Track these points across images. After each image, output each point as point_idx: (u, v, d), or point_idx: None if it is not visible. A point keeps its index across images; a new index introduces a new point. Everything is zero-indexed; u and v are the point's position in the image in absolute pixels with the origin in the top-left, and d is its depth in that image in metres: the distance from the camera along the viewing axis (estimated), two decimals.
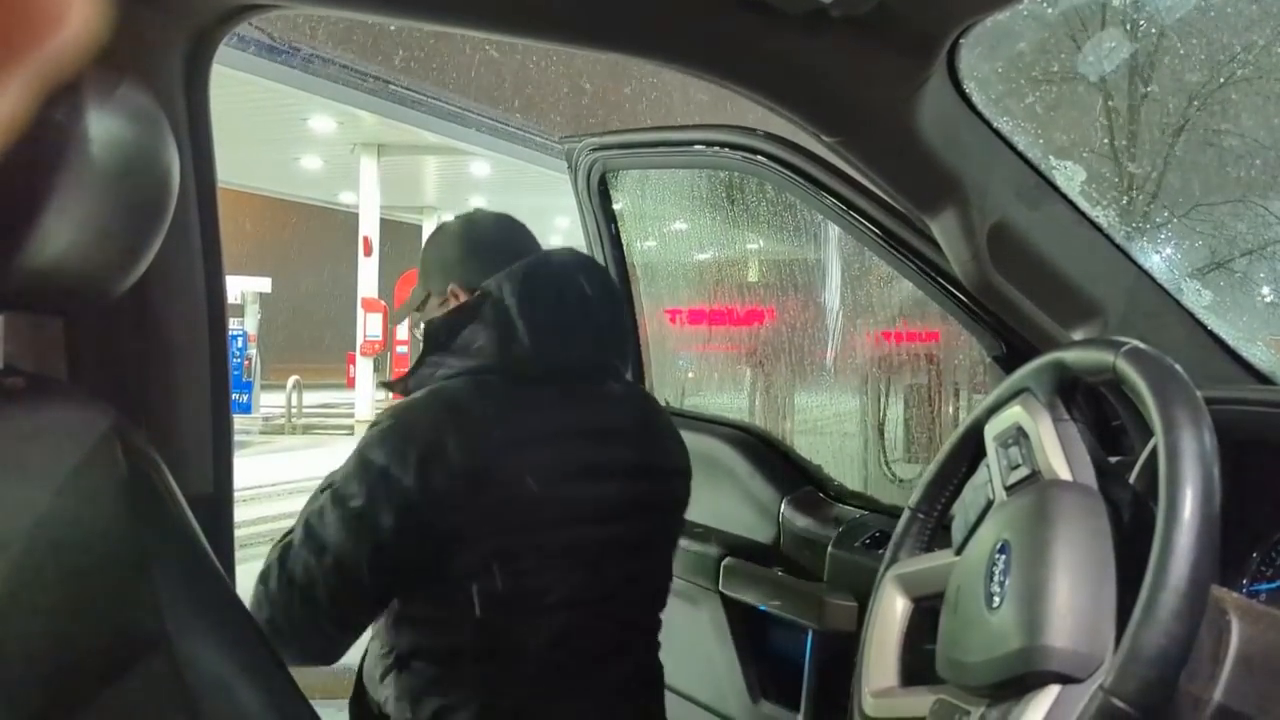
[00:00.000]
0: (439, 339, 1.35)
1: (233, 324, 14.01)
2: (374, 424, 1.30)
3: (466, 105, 12.01)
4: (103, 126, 0.80)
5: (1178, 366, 0.77)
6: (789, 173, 1.62)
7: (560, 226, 18.95)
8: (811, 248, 2.73)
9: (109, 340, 1.13)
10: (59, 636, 0.80)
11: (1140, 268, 1.28)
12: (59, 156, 0.76)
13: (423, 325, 1.41)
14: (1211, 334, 1.27)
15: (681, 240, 2.54)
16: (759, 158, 1.67)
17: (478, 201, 17.50)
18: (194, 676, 0.93)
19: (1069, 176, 1.27)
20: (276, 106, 11.13)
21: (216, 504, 1.20)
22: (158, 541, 0.95)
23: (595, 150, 2.01)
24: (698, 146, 1.82)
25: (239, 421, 14.33)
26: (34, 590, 0.79)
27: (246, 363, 14.33)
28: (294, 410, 14.01)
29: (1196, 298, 1.29)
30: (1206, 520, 0.69)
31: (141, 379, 1.16)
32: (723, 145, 1.75)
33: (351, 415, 14.20)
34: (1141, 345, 0.81)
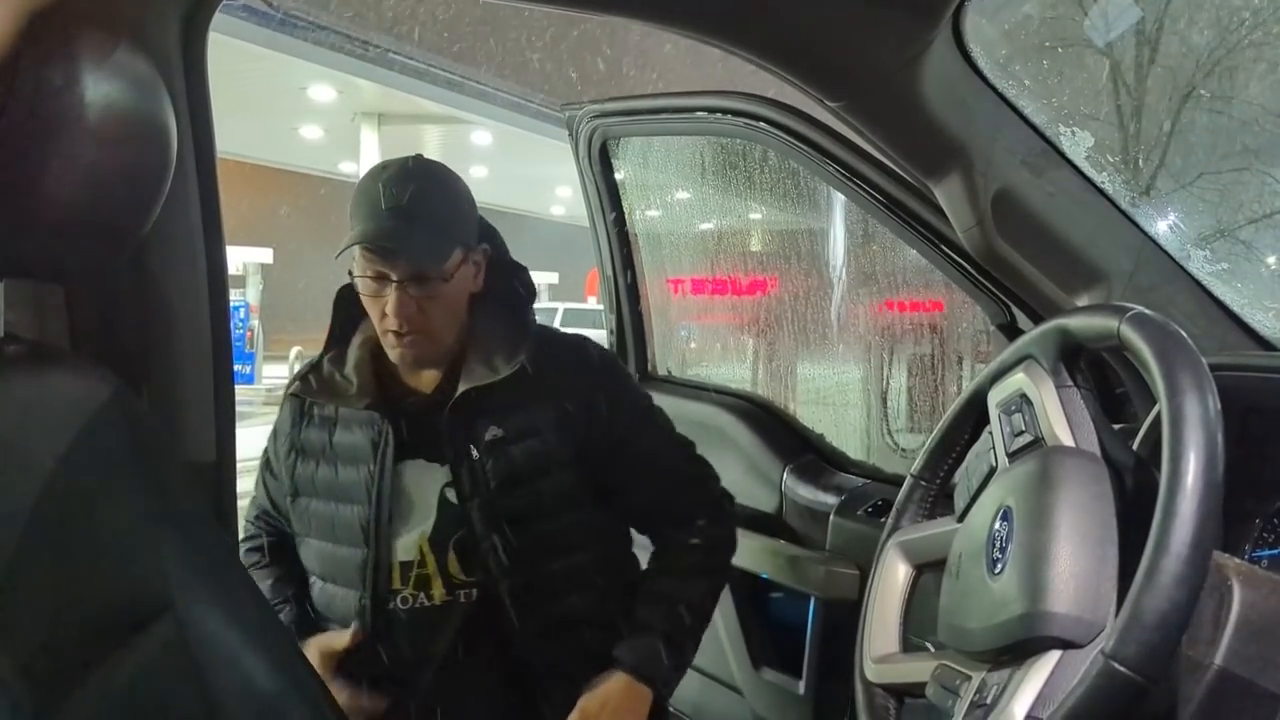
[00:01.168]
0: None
1: (234, 295, 14.01)
2: None
3: (468, 73, 11.92)
4: (100, 92, 0.80)
5: (1182, 332, 0.77)
6: (792, 139, 1.61)
7: (562, 196, 18.89)
8: (814, 215, 2.72)
9: (110, 309, 1.13)
10: (66, 602, 0.80)
11: (1146, 234, 1.27)
12: (56, 123, 0.75)
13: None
14: (1217, 300, 1.26)
15: (684, 209, 2.52)
16: (761, 124, 1.66)
17: (479, 171, 17.43)
18: (200, 642, 0.94)
19: (1075, 142, 1.26)
20: (275, 75, 11.06)
21: (219, 472, 1.21)
22: (160, 509, 0.96)
23: (596, 117, 2.00)
24: (700, 113, 1.81)
25: (242, 393, 14.31)
26: (39, 557, 0.79)
27: (249, 334, 14.35)
28: None
29: (1202, 264, 1.28)
30: (1209, 486, 0.69)
31: (143, 348, 1.16)
32: (725, 112, 1.74)
33: None
34: (1146, 311, 0.80)
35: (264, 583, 1.54)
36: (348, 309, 1.52)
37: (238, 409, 1.27)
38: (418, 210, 1.37)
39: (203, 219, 1.18)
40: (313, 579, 1.54)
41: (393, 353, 1.43)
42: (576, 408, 1.48)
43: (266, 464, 1.59)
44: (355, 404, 1.46)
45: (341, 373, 1.49)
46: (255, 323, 14.72)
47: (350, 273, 1.42)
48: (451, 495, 1.44)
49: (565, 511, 1.47)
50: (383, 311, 1.39)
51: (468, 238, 1.44)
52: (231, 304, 1.33)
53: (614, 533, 1.57)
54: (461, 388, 1.43)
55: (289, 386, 1.56)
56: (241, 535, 1.60)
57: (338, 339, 1.53)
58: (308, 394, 1.50)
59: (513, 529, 1.43)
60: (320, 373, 1.51)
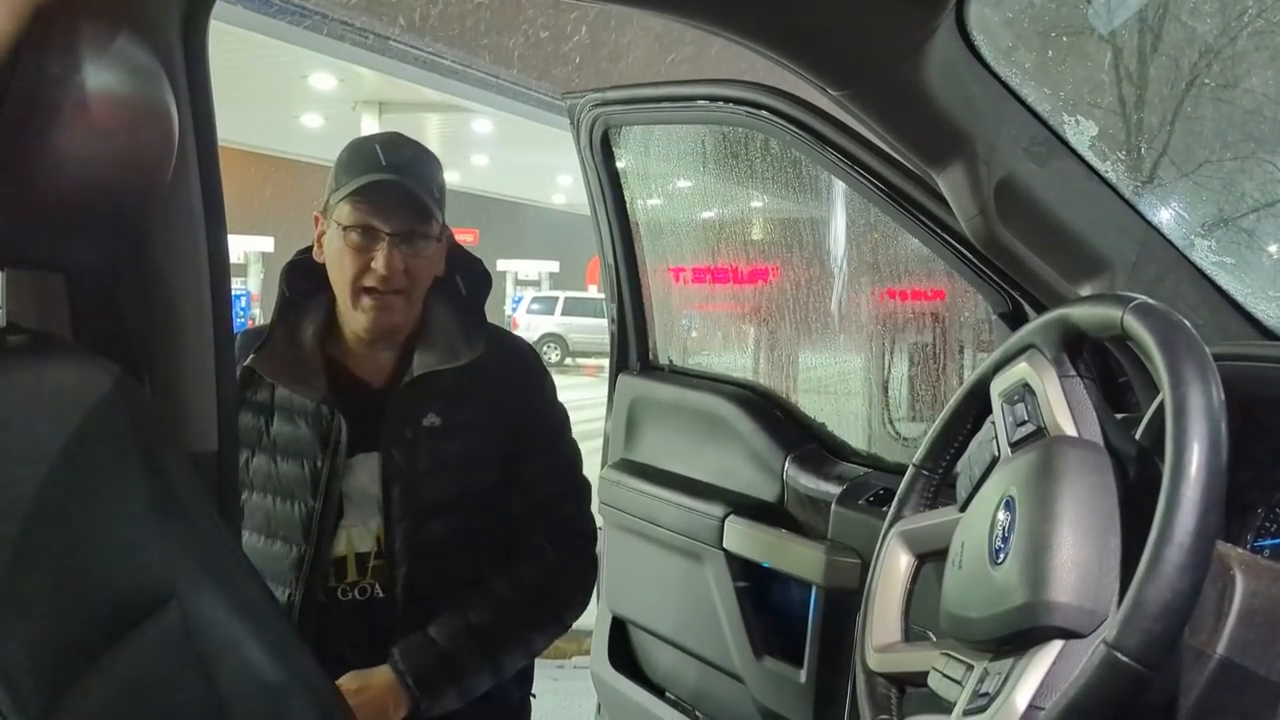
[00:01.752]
0: None
1: (236, 284, 14.00)
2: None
3: (469, 61, 11.89)
4: (100, 81, 0.80)
5: (1186, 322, 0.77)
6: (794, 128, 1.61)
7: (563, 184, 18.85)
8: (816, 204, 2.71)
9: (112, 298, 1.13)
10: (69, 592, 0.80)
11: (1149, 223, 1.26)
12: (57, 112, 0.75)
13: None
14: (1220, 290, 1.26)
15: (685, 197, 2.52)
16: (763, 113, 1.66)
17: (480, 159, 17.40)
18: (202, 631, 0.94)
19: (1079, 131, 1.25)
20: (276, 63, 11.04)
21: (221, 461, 1.21)
22: (163, 498, 0.96)
23: (598, 106, 1.99)
24: (701, 102, 1.80)
25: None
26: (43, 547, 0.79)
27: (250, 322, 14.32)
28: None
29: (1206, 254, 1.28)
30: (1213, 475, 0.69)
31: (145, 337, 1.16)
32: (727, 100, 1.73)
33: None
34: (1149, 301, 0.80)
35: None
36: (298, 281, 1.50)
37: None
38: (414, 170, 1.40)
39: (204, 207, 1.18)
40: None
41: (362, 316, 1.40)
42: (511, 408, 1.50)
43: None
44: (311, 395, 1.43)
45: (297, 355, 1.46)
46: (257, 311, 14.72)
47: (337, 222, 1.39)
48: (381, 484, 1.44)
49: (481, 510, 1.48)
50: (364, 266, 1.38)
51: (443, 213, 1.46)
52: (233, 292, 1.34)
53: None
54: (417, 371, 1.44)
55: (239, 356, 1.45)
56: None
57: (288, 314, 1.49)
58: (269, 373, 1.45)
59: (428, 520, 1.43)
60: (274, 350, 1.46)
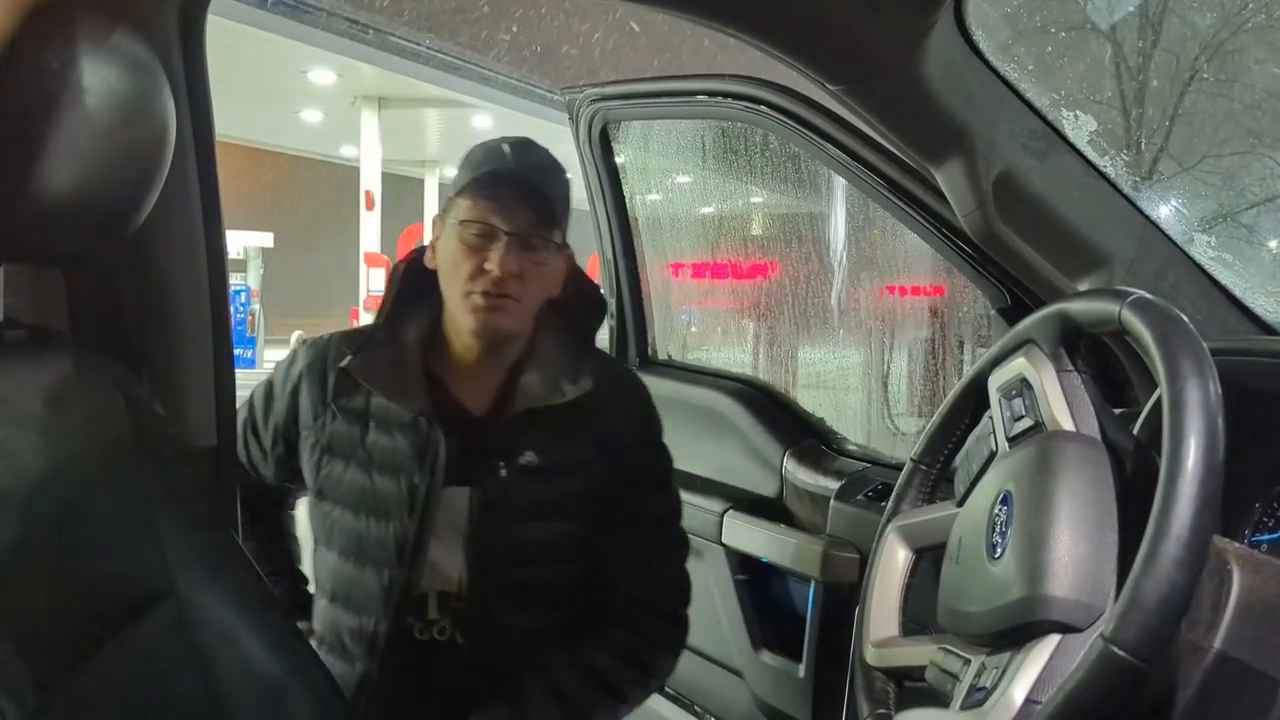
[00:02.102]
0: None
1: (236, 279, 14.01)
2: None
3: (468, 57, 11.88)
4: (97, 75, 0.79)
5: (1183, 316, 0.77)
6: (792, 123, 1.61)
7: None
8: (815, 199, 2.71)
9: (110, 293, 1.13)
10: (66, 586, 0.81)
11: (1148, 218, 1.27)
12: (53, 106, 0.75)
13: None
14: (1218, 285, 1.26)
15: (684, 193, 2.52)
16: (762, 108, 1.66)
17: None
18: (200, 624, 0.94)
19: (1078, 126, 1.25)
20: (275, 58, 11.02)
21: (219, 456, 1.21)
22: (161, 493, 0.96)
23: (596, 101, 1.99)
24: (700, 97, 1.80)
25: (242, 377, 14.33)
26: (39, 540, 0.79)
27: (250, 318, 14.35)
28: None
29: (1204, 249, 1.28)
30: (1210, 470, 0.69)
31: (143, 332, 1.15)
32: (725, 95, 1.73)
33: None
34: (1147, 295, 0.80)
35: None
36: (407, 283, 1.39)
37: (239, 393, 1.28)
38: (543, 176, 1.31)
39: (202, 203, 1.18)
40: (317, 595, 1.41)
41: (470, 317, 1.28)
42: (615, 450, 1.37)
43: (253, 431, 1.44)
44: (409, 405, 1.32)
45: (398, 363, 1.35)
46: (256, 307, 14.72)
47: (455, 220, 1.29)
48: (468, 522, 1.33)
49: (572, 559, 1.38)
50: (478, 267, 1.26)
51: (565, 230, 1.34)
52: (232, 288, 1.34)
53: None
54: (519, 405, 1.32)
55: (332, 357, 1.37)
56: None
57: (393, 317, 1.38)
58: (365, 379, 1.33)
59: (516, 566, 1.34)
60: (374, 355, 1.35)
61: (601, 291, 1.48)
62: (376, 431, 1.34)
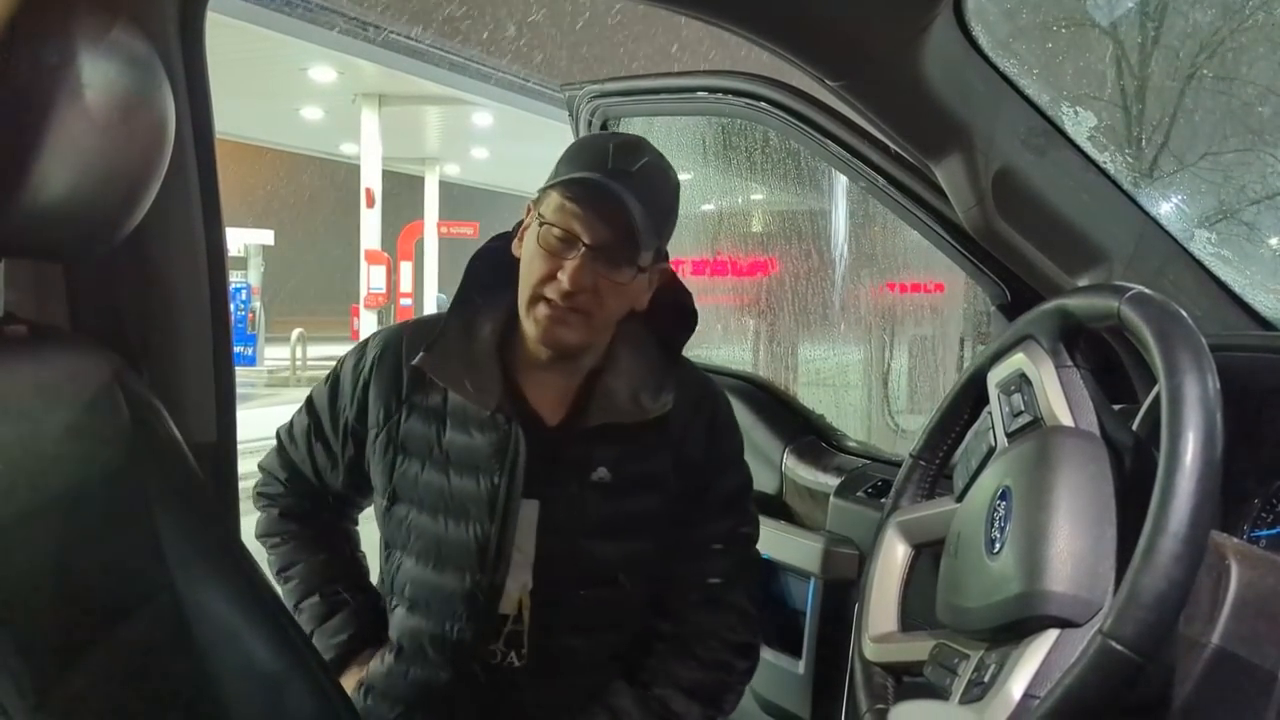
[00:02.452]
0: None
1: (236, 277, 14.01)
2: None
3: (468, 54, 11.87)
4: (96, 72, 0.79)
5: (1182, 312, 0.77)
6: (792, 119, 1.61)
7: None
8: (815, 196, 2.71)
9: (109, 289, 1.13)
10: (64, 581, 0.81)
11: (1147, 214, 1.27)
12: (52, 101, 0.75)
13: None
14: (1218, 281, 1.26)
15: (685, 190, 2.52)
16: (762, 104, 1.65)
17: (480, 152, 17.37)
18: (198, 620, 0.94)
19: (1078, 122, 1.25)
20: (275, 55, 11.02)
21: (219, 453, 1.21)
22: (160, 489, 0.96)
23: (596, 98, 1.99)
24: (700, 93, 1.80)
25: (244, 374, 14.39)
26: (39, 535, 0.79)
27: (250, 315, 14.35)
28: (298, 363, 14.05)
29: (1204, 245, 1.28)
30: (1208, 465, 0.69)
31: (142, 328, 1.16)
32: (726, 92, 1.73)
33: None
34: (1146, 291, 0.80)
35: (295, 558, 1.38)
36: (484, 274, 1.32)
37: (239, 390, 1.28)
38: (643, 184, 1.18)
39: (202, 200, 1.18)
40: (394, 602, 1.33)
41: (536, 327, 1.21)
42: (691, 467, 1.31)
43: (319, 435, 1.37)
44: (485, 402, 1.25)
45: (472, 358, 1.27)
46: (257, 304, 14.71)
47: (540, 215, 1.21)
48: (537, 537, 1.26)
49: (640, 581, 1.31)
50: (551, 273, 1.19)
51: (664, 243, 1.26)
52: (233, 286, 1.33)
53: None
54: (594, 420, 1.25)
55: (405, 351, 1.30)
56: (260, 487, 1.44)
57: (467, 308, 1.31)
58: (437, 375, 1.26)
59: (583, 587, 1.27)
60: (448, 350, 1.27)
61: (692, 302, 1.38)
62: (453, 430, 1.27)
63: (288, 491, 1.42)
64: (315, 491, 1.41)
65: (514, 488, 1.24)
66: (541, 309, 1.20)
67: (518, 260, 1.26)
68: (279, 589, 1.37)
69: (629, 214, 1.16)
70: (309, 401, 1.39)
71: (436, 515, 1.27)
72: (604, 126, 2.05)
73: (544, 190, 1.22)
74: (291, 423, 1.42)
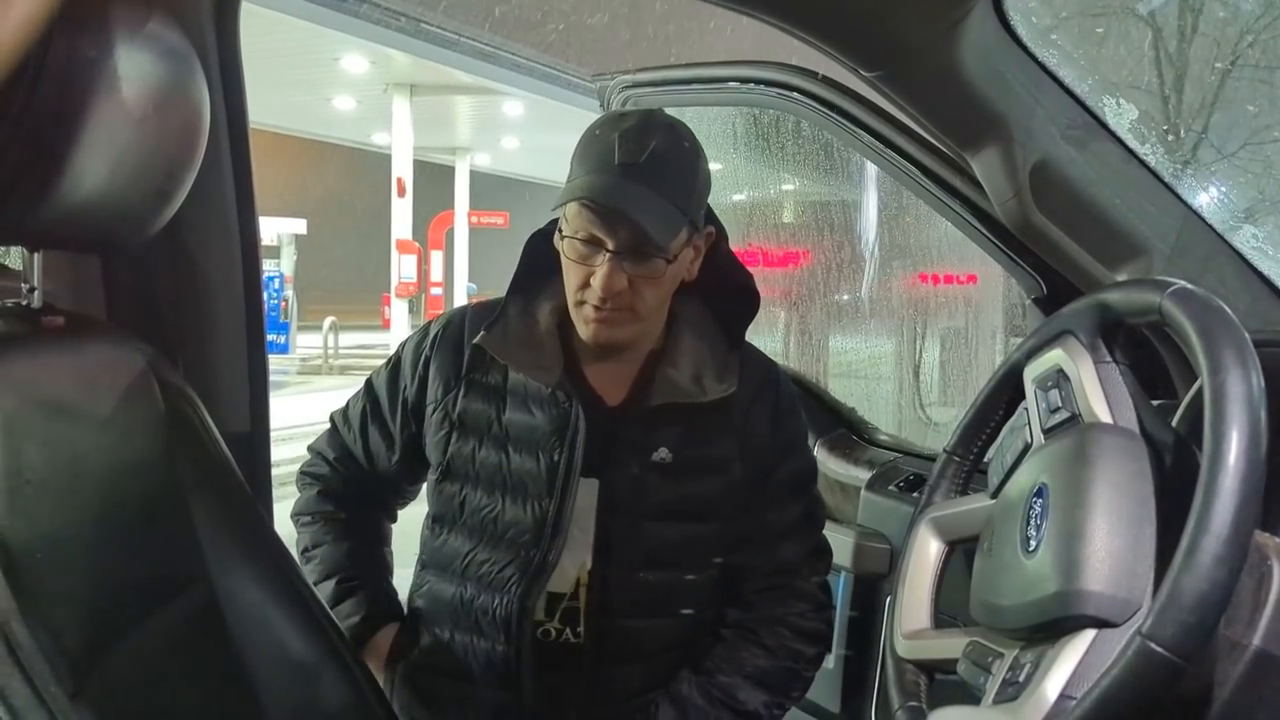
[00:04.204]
0: None
1: (269, 265, 14.13)
2: None
3: (500, 43, 11.88)
4: (133, 64, 0.80)
5: (1226, 307, 0.75)
6: (826, 110, 1.59)
7: None
8: (847, 187, 2.69)
9: (145, 279, 1.14)
10: (100, 569, 0.81)
11: (1188, 206, 1.24)
12: (90, 94, 0.75)
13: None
14: (1262, 276, 1.23)
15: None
16: (795, 94, 1.64)
17: (510, 142, 17.40)
18: (232, 610, 0.95)
19: (1119, 113, 1.23)
20: (308, 46, 11.07)
21: (253, 441, 1.22)
22: (195, 477, 0.97)
23: (628, 88, 1.98)
24: (732, 83, 1.79)
25: (277, 362, 14.52)
26: (75, 524, 0.80)
27: (283, 304, 14.47)
28: (330, 351, 14.16)
29: (1247, 238, 1.25)
30: (1252, 464, 0.67)
31: (178, 318, 1.17)
32: (758, 82, 1.72)
33: (387, 357, 14.30)
34: (1189, 285, 0.78)
35: (322, 539, 1.38)
36: (537, 259, 1.30)
37: (272, 379, 1.29)
38: (654, 172, 1.15)
39: (236, 190, 1.19)
40: (445, 578, 1.32)
41: (584, 328, 1.22)
42: (755, 449, 1.30)
43: (375, 416, 1.37)
44: (546, 379, 1.25)
45: (532, 336, 1.27)
46: (289, 293, 14.84)
47: (559, 229, 1.21)
48: (597, 517, 1.26)
49: (702, 564, 1.30)
50: (585, 280, 1.19)
51: (697, 215, 1.23)
52: (265, 275, 1.34)
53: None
54: (657, 400, 1.25)
55: (468, 330, 1.30)
56: (306, 467, 1.43)
57: (521, 292, 1.31)
58: (498, 352, 1.26)
59: (643, 569, 1.26)
60: (508, 328, 1.28)
61: (752, 280, 1.35)
62: (512, 408, 1.27)
63: (333, 474, 1.41)
64: (361, 477, 1.41)
65: (573, 465, 1.24)
66: (586, 311, 1.20)
67: None
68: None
69: (643, 209, 1.14)
70: (368, 384, 1.39)
71: (493, 492, 1.27)
72: None
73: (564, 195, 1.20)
74: (347, 406, 1.41)
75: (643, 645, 1.29)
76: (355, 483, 1.41)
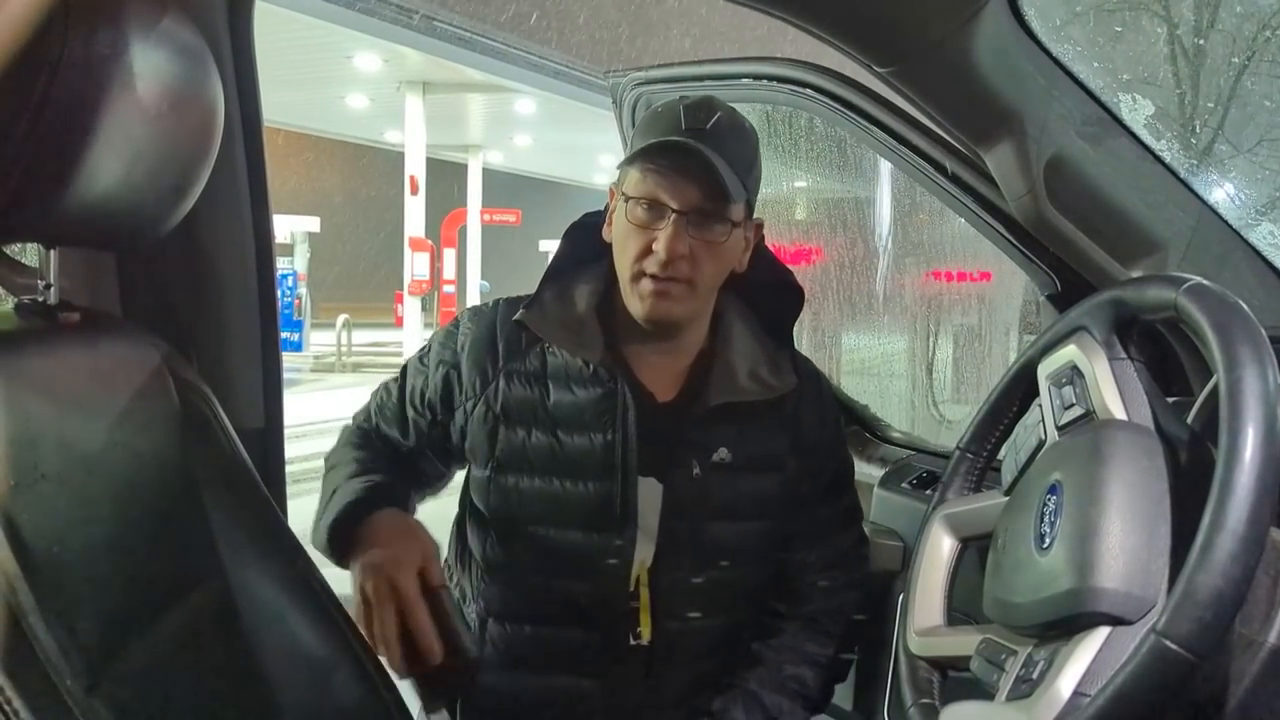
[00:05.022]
0: None
1: (283, 263, 14.19)
2: None
3: (511, 41, 11.89)
4: (147, 61, 0.80)
5: (1242, 304, 0.75)
6: (839, 106, 1.59)
7: (605, 164, 18.82)
8: (860, 184, 2.69)
9: (160, 277, 1.15)
10: (116, 565, 0.82)
11: (1204, 202, 1.23)
12: (104, 92, 0.76)
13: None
14: (1278, 272, 1.23)
15: None
16: (808, 91, 1.63)
17: (523, 139, 17.41)
18: (247, 606, 0.95)
19: (1134, 109, 1.22)
20: (321, 44, 11.11)
21: (267, 438, 1.22)
22: (210, 473, 0.97)
23: (640, 85, 1.98)
24: (745, 80, 1.78)
25: (291, 360, 14.59)
26: (91, 519, 0.81)
27: (297, 301, 14.54)
28: (344, 349, 14.21)
29: (1263, 234, 1.24)
30: (1268, 461, 0.67)
31: (192, 315, 1.17)
32: (771, 79, 1.71)
33: (400, 354, 14.38)
34: (1204, 281, 0.78)
35: (353, 455, 1.31)
36: (577, 246, 1.31)
37: (285, 376, 1.29)
38: (720, 140, 1.16)
39: (250, 188, 1.20)
40: (504, 574, 1.30)
41: (640, 303, 1.20)
42: (807, 445, 1.32)
43: (408, 401, 1.33)
44: (589, 355, 1.24)
45: (571, 315, 1.27)
46: (303, 290, 14.90)
47: (623, 193, 1.20)
48: (661, 518, 1.25)
49: (761, 561, 1.32)
50: (646, 247, 1.18)
51: (754, 195, 1.23)
52: (279, 272, 1.34)
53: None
54: (715, 399, 1.25)
55: (500, 320, 1.29)
56: (356, 424, 1.40)
57: (556, 280, 1.30)
58: (539, 328, 1.26)
59: (706, 567, 1.27)
60: (546, 308, 1.27)
61: (794, 277, 1.37)
62: (556, 391, 1.25)
63: (369, 442, 1.37)
64: (398, 456, 1.36)
65: (628, 443, 1.23)
66: (645, 285, 1.19)
67: (608, 246, 1.26)
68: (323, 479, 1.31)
69: (712, 170, 1.14)
70: (402, 372, 1.37)
71: (549, 477, 1.25)
72: None
73: (623, 166, 1.21)
74: (380, 397, 1.39)
75: (706, 643, 1.30)
76: (392, 457, 1.36)
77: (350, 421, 1.43)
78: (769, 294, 1.34)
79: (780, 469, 1.30)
